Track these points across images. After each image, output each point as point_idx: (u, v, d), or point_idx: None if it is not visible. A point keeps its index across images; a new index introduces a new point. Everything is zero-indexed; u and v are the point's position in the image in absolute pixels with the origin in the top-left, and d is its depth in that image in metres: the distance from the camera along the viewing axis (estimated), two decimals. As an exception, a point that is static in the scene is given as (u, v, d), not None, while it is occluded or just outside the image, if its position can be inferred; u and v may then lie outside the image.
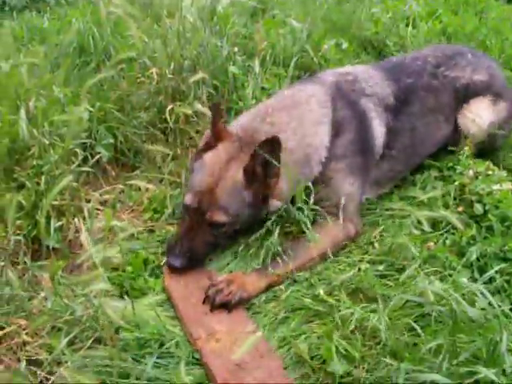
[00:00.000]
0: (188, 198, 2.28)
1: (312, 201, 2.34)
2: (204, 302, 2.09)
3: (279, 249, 2.24)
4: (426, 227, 2.23)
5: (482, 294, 1.73)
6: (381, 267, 2.23)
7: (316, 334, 1.94)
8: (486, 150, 2.95)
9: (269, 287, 2.18)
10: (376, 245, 2.39)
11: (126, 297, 2.08)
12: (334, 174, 2.45)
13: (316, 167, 2.42)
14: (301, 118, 2.44)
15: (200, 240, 2.24)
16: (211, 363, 1.84)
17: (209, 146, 2.37)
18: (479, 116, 2.90)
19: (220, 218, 2.22)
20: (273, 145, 2.16)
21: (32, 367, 1.85)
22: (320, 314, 2.03)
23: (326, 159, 2.43)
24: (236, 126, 2.46)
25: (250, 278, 2.16)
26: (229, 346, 1.89)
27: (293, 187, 2.31)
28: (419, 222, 2.31)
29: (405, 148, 2.74)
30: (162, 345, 1.92)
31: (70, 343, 1.90)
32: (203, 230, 2.25)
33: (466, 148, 2.79)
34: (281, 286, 2.17)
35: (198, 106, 2.72)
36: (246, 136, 2.35)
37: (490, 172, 2.62)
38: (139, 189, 2.69)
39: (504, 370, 1.48)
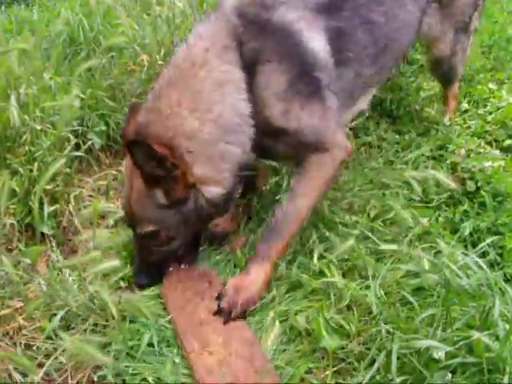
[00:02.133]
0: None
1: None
2: (216, 314, 1.94)
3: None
4: (417, 188, 2.23)
5: (475, 264, 1.74)
6: (376, 241, 2.21)
7: (314, 309, 1.93)
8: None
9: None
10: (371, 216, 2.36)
11: (121, 282, 2.07)
12: (285, 119, 2.01)
13: (252, 128, 1.99)
14: (196, 87, 1.94)
15: (149, 254, 2.07)
16: (203, 380, 1.70)
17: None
18: None
19: (146, 228, 1.99)
20: (141, 148, 1.79)
21: (28, 351, 1.85)
22: (317, 290, 2.02)
23: (262, 110, 1.98)
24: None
25: (254, 277, 2.01)
26: (223, 360, 1.75)
27: (228, 167, 1.98)
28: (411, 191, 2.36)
29: (364, 47, 2.26)
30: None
31: (66, 328, 1.90)
32: (143, 244, 2.05)
33: (458, 127, 2.81)
34: (281, 264, 2.11)
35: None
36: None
37: (482, 150, 2.64)
38: (132, 175, 2.69)
39: (497, 336, 1.49)
